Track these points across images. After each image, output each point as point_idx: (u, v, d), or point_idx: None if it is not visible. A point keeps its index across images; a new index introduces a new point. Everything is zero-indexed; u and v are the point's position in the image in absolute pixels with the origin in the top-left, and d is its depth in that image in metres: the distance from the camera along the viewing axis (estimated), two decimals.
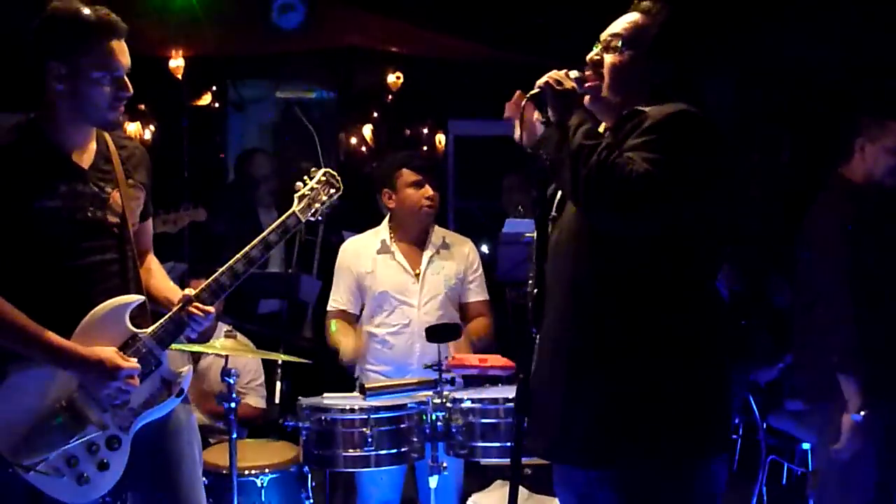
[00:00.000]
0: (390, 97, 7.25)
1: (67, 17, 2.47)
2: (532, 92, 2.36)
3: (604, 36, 2.44)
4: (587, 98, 2.41)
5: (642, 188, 2.17)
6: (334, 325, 3.81)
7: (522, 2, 6.10)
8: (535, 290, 2.34)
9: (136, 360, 2.53)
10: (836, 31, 5.59)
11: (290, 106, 7.64)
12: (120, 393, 2.51)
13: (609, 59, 2.41)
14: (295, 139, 7.44)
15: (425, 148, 7.74)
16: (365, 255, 3.82)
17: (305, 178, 2.83)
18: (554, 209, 2.47)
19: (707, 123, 2.29)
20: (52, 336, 2.46)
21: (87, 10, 2.48)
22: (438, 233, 3.90)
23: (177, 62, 6.14)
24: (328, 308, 3.88)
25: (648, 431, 2.27)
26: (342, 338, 3.74)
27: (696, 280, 2.35)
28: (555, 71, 2.39)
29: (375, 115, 7.68)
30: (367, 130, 7.63)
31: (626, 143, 2.26)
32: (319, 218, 2.82)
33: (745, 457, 5.02)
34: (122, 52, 2.50)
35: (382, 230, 3.87)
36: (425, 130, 7.85)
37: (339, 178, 2.85)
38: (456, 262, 3.87)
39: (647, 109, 2.33)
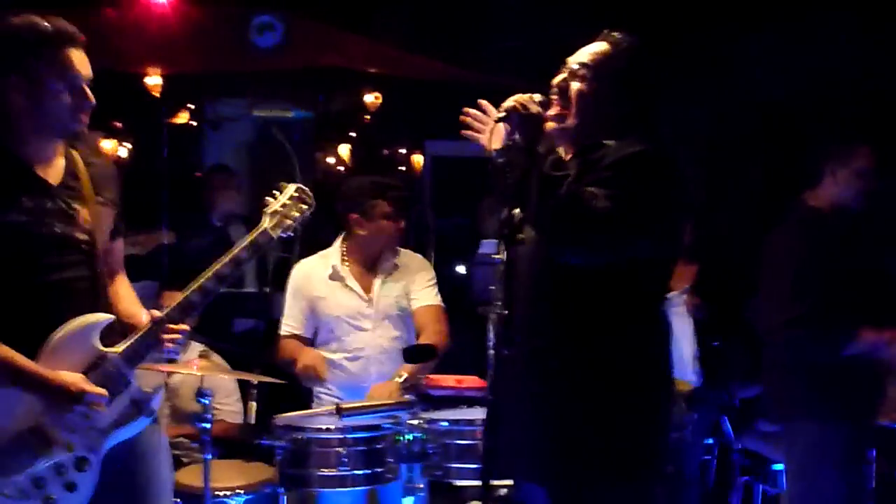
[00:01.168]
0: (368, 117, 7.27)
1: (23, 29, 2.43)
2: (499, 115, 2.39)
3: (571, 62, 2.49)
4: (550, 124, 2.45)
5: (604, 224, 2.25)
6: (290, 344, 3.75)
7: (498, 24, 6.16)
8: (504, 312, 2.36)
9: (103, 383, 2.48)
10: (805, 61, 5.68)
11: (267, 125, 7.63)
12: (84, 418, 2.47)
13: (575, 87, 2.46)
14: (272, 158, 7.44)
15: (402, 168, 7.76)
16: (316, 278, 3.77)
17: (276, 192, 2.75)
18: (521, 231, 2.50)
19: (664, 162, 2.38)
20: (17, 357, 2.41)
21: (42, 21, 2.44)
22: (388, 252, 3.86)
23: (154, 80, 6.14)
24: (281, 332, 3.80)
25: (586, 451, 2.36)
26: (300, 352, 3.67)
27: (645, 308, 2.43)
28: (520, 94, 2.42)
29: (353, 135, 7.70)
30: (345, 150, 7.64)
31: (588, 178, 2.32)
32: (291, 234, 2.73)
33: (719, 478, 5.04)
34: (81, 60, 2.46)
35: (333, 254, 3.82)
36: (403, 150, 7.87)
37: (310, 193, 2.76)
38: (406, 279, 3.85)
39: (609, 144, 2.38)
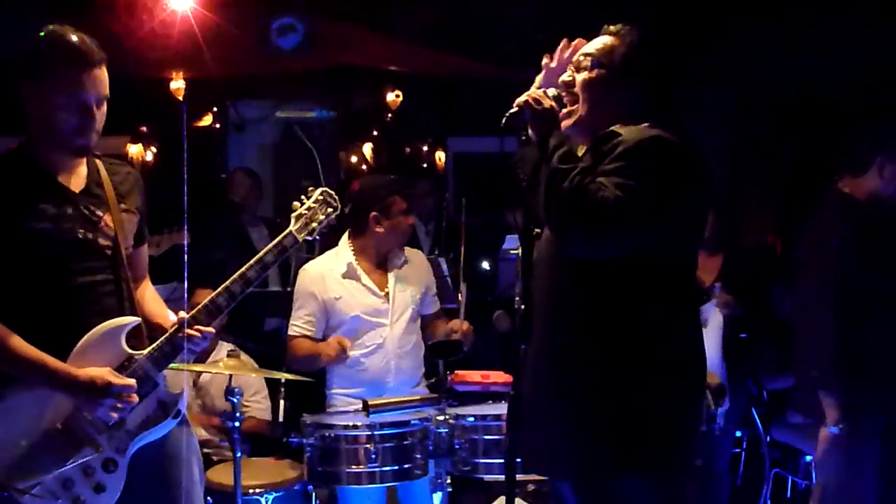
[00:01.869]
0: (390, 115, 7.29)
1: (44, 42, 2.48)
2: (511, 111, 2.38)
3: (575, 58, 2.47)
4: (563, 118, 2.43)
5: (612, 214, 2.20)
6: (303, 343, 3.71)
7: (520, 19, 6.15)
8: (523, 306, 2.37)
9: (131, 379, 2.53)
10: (835, 47, 5.63)
11: (290, 126, 7.67)
12: (114, 411, 2.50)
13: (580, 77, 2.43)
14: (296, 159, 7.47)
15: (425, 165, 7.77)
16: (330, 279, 3.73)
17: (303, 197, 2.83)
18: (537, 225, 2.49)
19: (678, 148, 2.31)
20: (46, 358, 2.46)
21: (64, 37, 2.47)
22: (397, 250, 3.86)
23: (178, 84, 6.19)
24: (290, 332, 3.75)
25: (610, 446, 2.32)
26: (317, 345, 3.67)
27: (669, 299, 2.37)
28: (533, 89, 2.42)
29: (375, 133, 7.72)
30: (368, 149, 7.66)
31: (599, 168, 2.28)
32: (317, 237, 2.81)
33: (749, 470, 5.01)
34: (91, 81, 2.49)
35: (344, 252, 3.79)
36: (425, 148, 7.89)
37: (336, 197, 2.84)
38: (418, 277, 3.87)
39: (621, 132, 2.34)
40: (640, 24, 2.47)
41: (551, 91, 2.43)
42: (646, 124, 2.33)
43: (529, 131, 2.37)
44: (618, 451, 2.32)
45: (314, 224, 2.79)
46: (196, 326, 2.60)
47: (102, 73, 2.52)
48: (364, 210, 3.74)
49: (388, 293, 3.75)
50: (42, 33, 2.50)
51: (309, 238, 2.80)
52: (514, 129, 2.38)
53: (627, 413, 2.31)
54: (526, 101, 2.37)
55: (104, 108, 2.55)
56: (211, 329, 2.63)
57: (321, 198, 2.82)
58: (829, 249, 3.52)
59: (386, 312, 3.73)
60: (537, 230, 2.47)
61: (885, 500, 3.56)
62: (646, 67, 2.42)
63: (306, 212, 2.79)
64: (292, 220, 2.78)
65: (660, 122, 2.34)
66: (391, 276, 3.78)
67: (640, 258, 2.31)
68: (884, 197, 3.59)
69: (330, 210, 2.83)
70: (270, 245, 2.72)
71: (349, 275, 3.73)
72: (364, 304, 3.71)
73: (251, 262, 2.69)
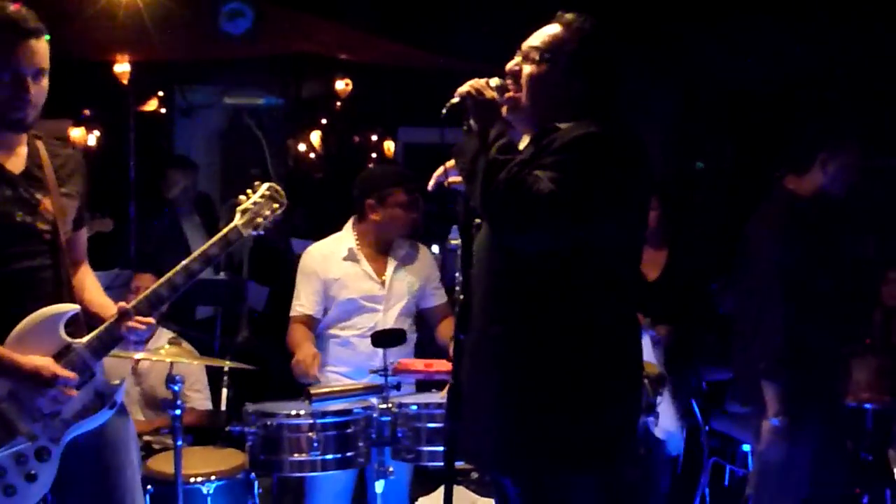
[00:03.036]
0: (339, 104, 7.25)
1: None
2: (452, 101, 2.37)
3: (524, 46, 2.46)
4: (506, 108, 2.42)
5: (545, 207, 2.20)
6: (299, 331, 3.77)
7: (471, 9, 6.15)
8: (461, 296, 2.37)
9: (70, 370, 2.49)
10: (778, 43, 5.73)
11: (238, 112, 7.60)
12: (54, 403, 2.47)
13: (527, 70, 2.42)
14: (243, 145, 7.41)
15: (374, 155, 7.76)
16: (332, 261, 3.82)
17: (248, 191, 2.77)
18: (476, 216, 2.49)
19: (617, 144, 2.32)
20: None
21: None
22: (400, 240, 3.93)
23: (123, 67, 6.08)
24: (292, 313, 3.82)
25: (548, 440, 2.32)
26: (301, 345, 3.70)
27: (607, 292, 2.37)
28: (476, 79, 2.40)
29: (324, 121, 7.68)
30: (316, 137, 7.62)
31: (537, 161, 2.28)
32: (262, 232, 2.76)
33: (689, 459, 5.10)
34: (25, 52, 2.42)
35: (347, 237, 3.87)
36: (374, 137, 7.87)
37: (282, 193, 2.78)
38: (419, 269, 3.92)
39: (561, 127, 2.35)
40: (592, 17, 2.46)
41: (494, 81, 2.42)
42: (586, 119, 2.33)
43: (471, 121, 2.36)
44: (556, 449, 2.32)
45: (259, 219, 2.73)
46: (137, 317, 2.55)
47: (40, 45, 2.45)
48: (363, 196, 3.83)
49: (385, 280, 3.81)
50: None
51: (254, 233, 2.75)
52: (455, 119, 2.38)
53: (565, 408, 2.32)
54: (468, 92, 2.36)
55: (43, 82, 2.48)
56: (152, 320, 2.58)
57: (268, 193, 2.76)
58: (773, 244, 3.60)
59: (381, 298, 3.79)
60: (477, 220, 2.47)
61: (819, 486, 3.65)
62: (593, 64, 2.42)
63: (252, 206, 2.74)
64: (237, 214, 2.72)
65: (602, 117, 2.36)
66: (390, 265, 3.85)
67: (577, 251, 2.31)
68: (827, 193, 3.67)
69: (276, 206, 2.76)
70: (215, 238, 2.68)
71: (350, 258, 3.82)
72: (361, 288, 3.78)
73: (195, 254, 2.64)
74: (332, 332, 3.83)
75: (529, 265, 2.33)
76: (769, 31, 5.69)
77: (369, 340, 3.69)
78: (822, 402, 3.62)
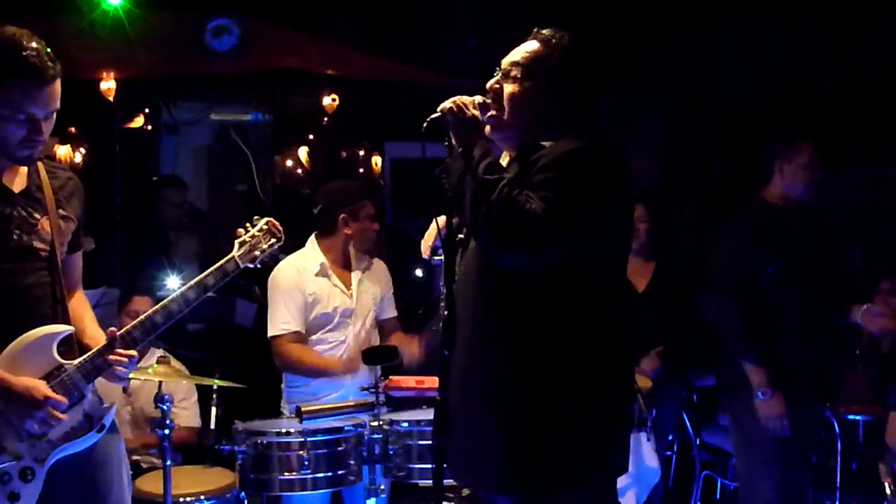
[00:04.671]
0: (326, 119, 7.24)
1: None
2: (433, 116, 2.36)
3: (504, 64, 2.45)
4: (488, 127, 2.41)
5: (537, 226, 2.20)
6: (296, 348, 3.78)
7: (456, 25, 6.16)
8: (446, 313, 2.35)
9: (60, 391, 2.47)
10: (762, 56, 5.76)
11: (225, 128, 7.58)
12: (43, 424, 2.45)
13: (508, 88, 2.42)
14: (230, 162, 7.39)
15: (361, 170, 7.75)
16: (306, 276, 3.84)
17: (248, 224, 2.82)
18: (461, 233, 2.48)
19: (601, 159, 2.33)
20: None
21: (20, 46, 2.38)
22: (363, 253, 3.95)
23: (108, 84, 6.06)
24: (280, 332, 3.79)
25: (542, 459, 2.31)
26: (313, 356, 3.77)
27: (598, 307, 2.37)
28: (459, 96, 2.39)
29: (311, 137, 7.66)
30: (303, 153, 7.60)
31: (524, 180, 2.28)
32: (258, 265, 2.80)
33: (680, 472, 5.10)
34: (42, 97, 2.42)
35: (314, 253, 3.89)
36: (361, 153, 7.85)
37: (280, 228, 2.84)
38: (378, 281, 3.99)
39: (546, 145, 2.35)
40: (571, 32, 2.45)
41: (478, 98, 2.41)
42: (569, 135, 2.33)
43: (453, 139, 2.35)
44: (545, 468, 2.31)
45: (256, 252, 2.78)
46: (118, 351, 2.53)
47: (56, 88, 2.45)
48: (334, 211, 3.86)
49: (352, 293, 3.86)
50: None
51: (250, 265, 2.78)
52: (436, 134, 2.37)
53: (554, 427, 2.30)
54: (450, 108, 2.36)
55: (53, 119, 2.49)
56: (134, 353, 2.57)
57: (266, 227, 2.82)
58: (727, 234, 3.86)
59: (352, 312, 3.83)
60: (461, 236, 2.46)
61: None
62: (573, 79, 2.41)
63: (250, 239, 2.78)
64: (236, 246, 2.77)
65: (584, 132, 2.36)
66: (354, 277, 3.89)
67: (565, 268, 2.30)
68: (795, 196, 3.84)
69: (273, 241, 2.82)
70: (213, 268, 2.70)
71: (322, 272, 3.85)
72: (334, 303, 3.82)
73: (192, 282, 2.67)
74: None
75: (518, 283, 2.32)
76: (756, 42, 5.72)
77: (341, 354, 3.73)
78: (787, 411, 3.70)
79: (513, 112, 2.41)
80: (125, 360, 2.54)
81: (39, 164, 2.62)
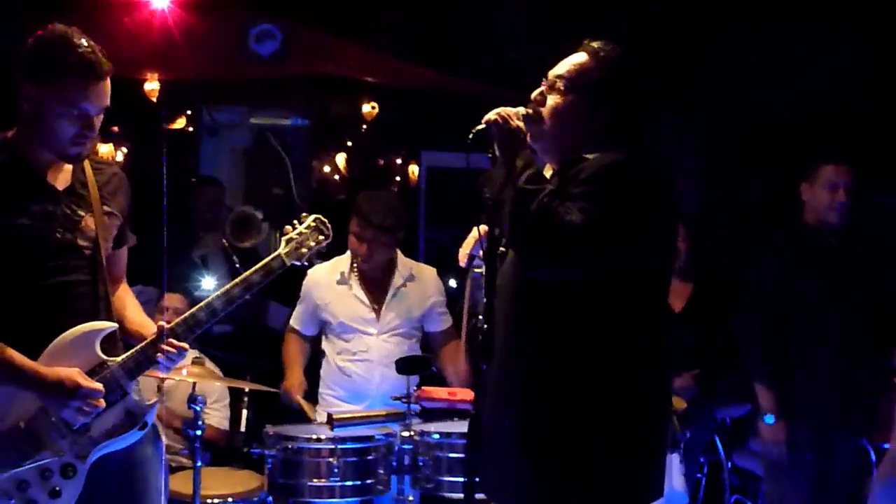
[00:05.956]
0: (364, 126, 7.26)
1: (50, 45, 2.44)
2: (478, 127, 2.36)
3: (550, 75, 2.43)
4: (531, 137, 2.40)
5: (575, 239, 2.18)
6: (291, 347, 3.96)
7: (498, 35, 6.16)
8: (485, 325, 2.33)
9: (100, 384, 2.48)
10: (804, 76, 5.70)
11: (264, 132, 7.63)
12: (80, 413, 2.45)
13: (551, 100, 2.41)
14: (268, 166, 7.42)
15: (398, 178, 7.76)
16: (324, 285, 3.89)
17: (295, 221, 2.79)
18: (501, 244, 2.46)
19: (643, 174, 2.30)
20: (14, 354, 2.42)
21: (73, 44, 2.43)
22: (405, 263, 3.94)
23: (152, 85, 6.12)
24: (289, 327, 4.05)
25: (575, 479, 2.27)
26: (292, 367, 3.87)
27: (635, 325, 2.33)
28: (503, 107, 2.38)
29: (349, 143, 7.68)
30: (341, 159, 7.62)
31: (564, 191, 2.26)
32: (305, 263, 2.77)
33: (710, 496, 5.03)
34: (95, 93, 2.46)
35: (343, 261, 3.94)
36: (398, 161, 7.87)
37: (329, 225, 2.80)
38: (423, 292, 3.92)
39: (588, 157, 2.33)
40: (618, 45, 2.44)
41: (521, 110, 2.40)
42: (613, 150, 2.31)
43: (496, 150, 2.34)
44: (578, 489, 2.27)
45: (304, 249, 2.75)
46: (171, 341, 2.54)
47: (107, 85, 2.49)
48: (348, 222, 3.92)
49: (378, 306, 3.84)
50: (50, 35, 2.45)
51: (297, 263, 2.75)
52: (481, 146, 2.36)
53: (588, 446, 2.27)
54: (494, 119, 2.35)
55: (101, 116, 2.52)
56: (186, 346, 2.57)
57: (314, 224, 2.79)
58: (757, 257, 3.92)
59: (373, 322, 3.81)
60: (502, 249, 2.45)
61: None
62: (619, 92, 2.39)
63: (297, 236, 2.76)
64: (282, 243, 2.75)
65: (628, 147, 2.34)
66: (392, 286, 3.89)
67: (604, 283, 2.27)
68: (822, 219, 3.87)
69: (321, 238, 2.78)
70: (258, 265, 2.69)
71: (342, 281, 3.90)
72: (350, 312, 3.84)
73: (237, 280, 2.66)
74: (330, 355, 3.87)
75: (554, 298, 2.30)
76: (798, 62, 5.66)
77: (364, 366, 3.74)
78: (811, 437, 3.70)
79: (556, 124, 2.40)
80: (174, 351, 2.54)
81: (85, 160, 2.63)
